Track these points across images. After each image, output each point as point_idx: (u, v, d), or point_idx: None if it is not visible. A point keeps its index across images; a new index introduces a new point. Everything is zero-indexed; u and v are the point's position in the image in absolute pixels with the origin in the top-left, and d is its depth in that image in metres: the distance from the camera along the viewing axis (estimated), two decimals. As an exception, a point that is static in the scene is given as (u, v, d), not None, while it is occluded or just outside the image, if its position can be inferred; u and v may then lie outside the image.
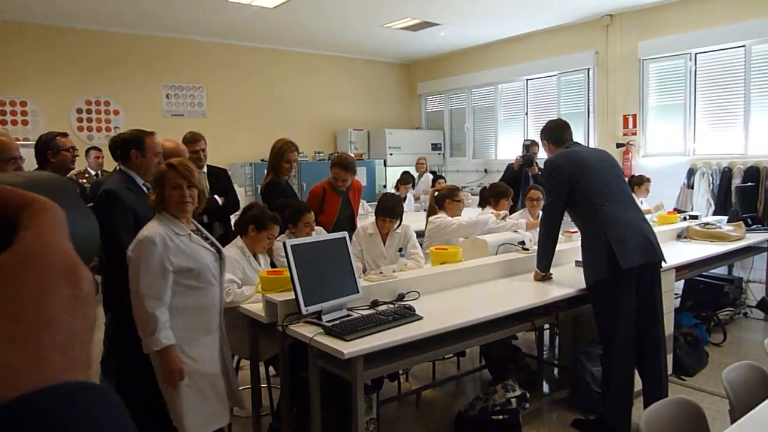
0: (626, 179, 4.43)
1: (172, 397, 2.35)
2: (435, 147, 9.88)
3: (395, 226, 3.74)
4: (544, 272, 3.29)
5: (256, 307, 2.72)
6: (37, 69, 7.02)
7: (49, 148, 3.40)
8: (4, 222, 0.36)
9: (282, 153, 3.99)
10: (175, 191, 2.35)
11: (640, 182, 5.85)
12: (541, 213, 3.56)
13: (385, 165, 9.33)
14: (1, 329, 0.31)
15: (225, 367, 2.54)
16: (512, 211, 4.99)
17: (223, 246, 3.12)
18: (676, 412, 1.72)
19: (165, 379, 2.32)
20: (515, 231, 4.11)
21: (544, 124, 3.41)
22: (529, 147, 6.83)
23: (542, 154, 5.47)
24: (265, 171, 4.24)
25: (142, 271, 2.26)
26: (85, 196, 3.68)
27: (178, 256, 2.32)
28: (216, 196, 4.08)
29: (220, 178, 4.25)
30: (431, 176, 8.16)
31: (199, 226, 2.60)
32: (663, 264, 3.15)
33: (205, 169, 4.18)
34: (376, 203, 6.14)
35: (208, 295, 2.44)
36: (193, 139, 4.08)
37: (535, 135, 8.36)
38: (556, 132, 3.30)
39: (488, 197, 4.73)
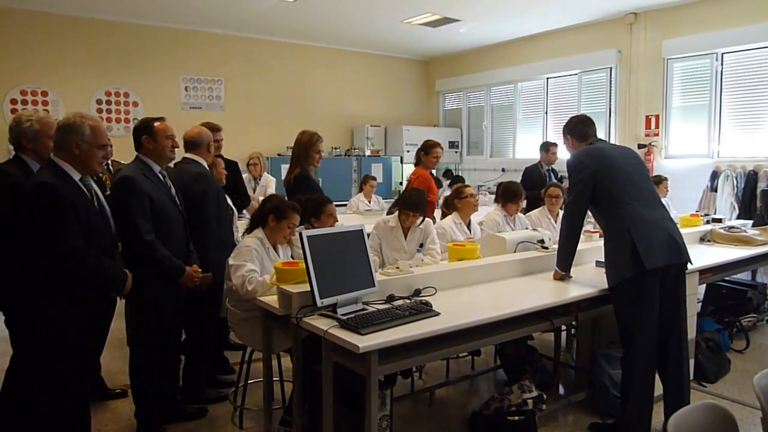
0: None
1: None
2: (452, 145, 9.80)
3: (418, 221, 3.69)
4: (564, 271, 3.21)
5: (271, 299, 2.69)
6: (59, 59, 7.07)
7: None
8: None
9: (313, 143, 3.98)
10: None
11: (658, 181, 5.73)
12: (562, 211, 3.47)
13: (401, 162, 9.28)
14: None
15: None
16: (531, 208, 4.89)
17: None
18: (704, 419, 1.64)
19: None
20: (535, 229, 4.03)
21: (566, 121, 3.34)
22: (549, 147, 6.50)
23: (563, 153, 5.38)
24: (289, 164, 4.20)
25: None
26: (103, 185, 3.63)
27: None
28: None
29: (230, 171, 4.26)
30: (273, 179, 6.30)
31: None
32: (689, 265, 3.06)
33: None
34: (392, 200, 6.12)
35: None
36: (214, 129, 4.09)
37: (554, 135, 8.24)
38: (581, 126, 3.21)
39: (499, 197, 4.46)
